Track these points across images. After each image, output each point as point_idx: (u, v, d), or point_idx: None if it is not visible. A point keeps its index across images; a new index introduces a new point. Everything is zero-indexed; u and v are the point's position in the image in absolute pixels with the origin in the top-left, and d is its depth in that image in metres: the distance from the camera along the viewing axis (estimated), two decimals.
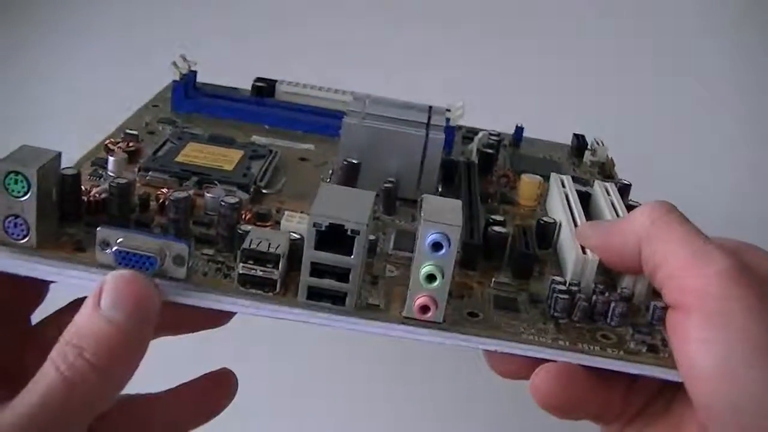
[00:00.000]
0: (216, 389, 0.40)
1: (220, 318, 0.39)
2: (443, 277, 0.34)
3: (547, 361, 0.35)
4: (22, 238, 0.35)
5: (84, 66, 0.74)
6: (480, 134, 0.50)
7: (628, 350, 0.35)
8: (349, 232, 0.33)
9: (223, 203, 0.36)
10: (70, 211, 0.37)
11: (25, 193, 0.34)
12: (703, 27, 0.68)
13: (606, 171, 0.51)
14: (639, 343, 0.36)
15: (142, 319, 0.32)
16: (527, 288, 0.38)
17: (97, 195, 0.38)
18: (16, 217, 0.34)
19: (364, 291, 0.36)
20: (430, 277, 0.34)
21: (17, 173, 0.34)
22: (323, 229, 0.33)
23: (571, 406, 0.35)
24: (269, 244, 0.34)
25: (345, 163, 0.42)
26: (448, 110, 0.49)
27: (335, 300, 0.34)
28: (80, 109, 0.70)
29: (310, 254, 0.34)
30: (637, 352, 0.35)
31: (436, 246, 0.33)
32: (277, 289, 0.34)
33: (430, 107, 0.47)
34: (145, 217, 0.38)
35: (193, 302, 0.35)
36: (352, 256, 0.34)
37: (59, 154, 0.36)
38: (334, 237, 0.33)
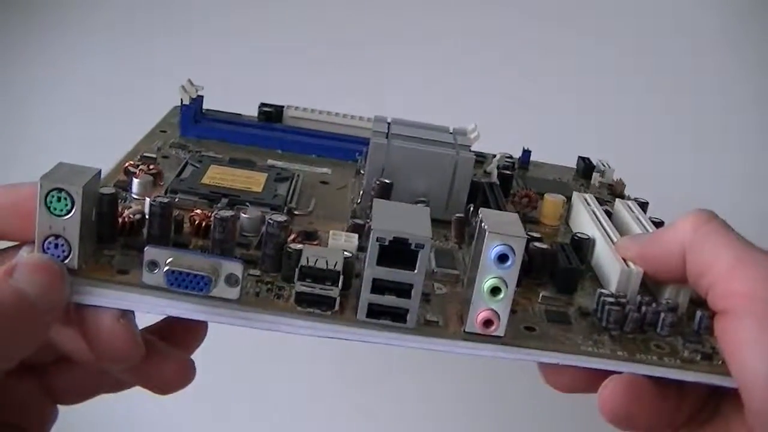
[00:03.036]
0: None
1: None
2: (507, 289, 0.33)
3: (608, 372, 0.34)
4: (63, 260, 0.33)
5: (83, 87, 0.72)
6: (498, 156, 0.50)
7: (683, 359, 0.35)
8: (413, 246, 0.32)
9: (271, 221, 0.35)
10: (106, 232, 0.35)
11: (68, 212, 0.32)
12: (706, 44, 0.69)
13: (616, 192, 0.52)
14: (692, 351, 0.36)
15: (50, 303, 0.31)
16: (572, 302, 0.38)
17: (131, 216, 0.36)
18: (57, 237, 0.32)
19: (420, 308, 0.35)
20: (495, 290, 0.33)
21: (60, 190, 0.32)
22: (386, 243, 0.32)
23: (637, 417, 0.34)
24: (326, 261, 0.33)
25: (377, 183, 0.41)
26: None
27: (395, 317, 0.33)
28: (79, 133, 0.68)
29: (372, 270, 0.33)
30: (692, 360, 0.35)
31: (502, 258, 0.33)
32: (335, 308, 0.33)
33: (453, 129, 0.47)
34: (181, 239, 0.37)
35: (246, 324, 0.33)
36: (416, 271, 0.33)
37: (99, 172, 0.34)
38: (392, 253, 0.33)
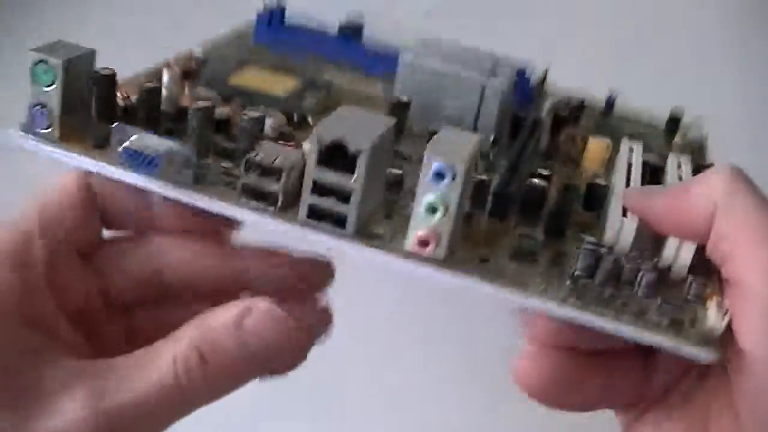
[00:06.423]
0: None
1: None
2: (446, 210, 0.31)
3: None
4: (45, 128, 0.35)
5: None
6: (549, 101, 0.47)
7: (646, 320, 0.31)
8: (352, 151, 0.32)
9: (245, 116, 0.36)
10: (104, 111, 0.37)
11: (51, 84, 0.35)
12: None
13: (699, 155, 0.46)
14: (662, 314, 0.32)
15: (271, 359, 0.33)
16: (556, 247, 0.35)
17: (132, 99, 0.38)
18: (43, 106, 0.35)
19: (372, 222, 0.34)
20: (432, 209, 0.32)
21: (45, 62, 0.34)
22: (324, 147, 0.32)
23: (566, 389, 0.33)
24: (276, 158, 0.34)
25: (395, 101, 0.40)
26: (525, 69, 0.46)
27: (336, 222, 0.33)
28: None
29: (312, 171, 0.32)
30: (657, 324, 0.31)
31: (439, 176, 0.31)
32: (279, 204, 0.33)
33: (499, 58, 0.45)
34: (176, 126, 0.38)
35: (199, 203, 0.34)
36: (354, 177, 0.32)
37: (93, 52, 0.36)
38: (341, 157, 0.32)
